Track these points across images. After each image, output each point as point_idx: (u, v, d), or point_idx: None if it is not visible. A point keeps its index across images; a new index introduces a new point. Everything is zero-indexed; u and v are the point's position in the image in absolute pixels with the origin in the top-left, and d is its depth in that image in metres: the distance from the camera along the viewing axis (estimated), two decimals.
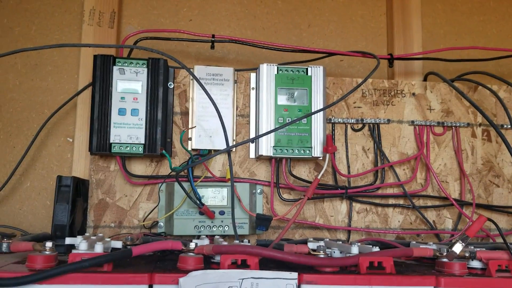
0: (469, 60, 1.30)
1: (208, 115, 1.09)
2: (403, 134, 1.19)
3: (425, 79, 1.27)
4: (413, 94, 1.21)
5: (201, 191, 1.06)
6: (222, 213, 1.05)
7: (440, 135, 1.20)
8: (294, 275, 0.68)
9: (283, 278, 0.68)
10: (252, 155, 1.13)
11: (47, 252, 0.70)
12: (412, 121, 1.20)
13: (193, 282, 0.66)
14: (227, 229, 1.04)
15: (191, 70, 1.09)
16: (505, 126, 1.23)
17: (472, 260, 0.81)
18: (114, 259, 0.69)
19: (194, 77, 0.95)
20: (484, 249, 0.84)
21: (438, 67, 1.31)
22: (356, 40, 1.34)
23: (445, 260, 0.79)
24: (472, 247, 0.84)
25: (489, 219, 0.84)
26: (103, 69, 1.04)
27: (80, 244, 0.72)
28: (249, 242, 0.85)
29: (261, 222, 1.04)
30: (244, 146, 1.13)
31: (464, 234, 0.80)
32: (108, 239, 0.79)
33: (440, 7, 1.39)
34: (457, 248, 0.80)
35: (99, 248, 0.71)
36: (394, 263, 0.76)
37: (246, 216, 1.06)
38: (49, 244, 0.71)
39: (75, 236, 0.78)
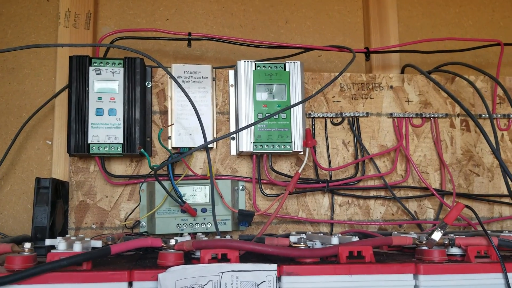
0: (445, 51, 1.31)
1: (187, 113, 1.09)
2: (382, 127, 1.20)
3: (402, 72, 1.28)
4: (391, 87, 1.22)
5: (183, 189, 1.05)
6: (204, 210, 1.05)
7: (419, 126, 1.21)
8: (274, 266, 0.68)
9: (263, 270, 0.68)
10: (233, 152, 1.13)
11: (25, 253, 0.69)
12: (391, 114, 1.21)
13: (173, 277, 0.66)
14: (209, 226, 1.04)
15: (169, 68, 1.09)
16: (483, 115, 1.24)
17: (452, 247, 0.82)
18: (93, 257, 0.69)
19: (171, 76, 0.95)
20: (464, 236, 0.84)
21: (415, 59, 1.32)
22: (333, 35, 1.34)
23: (424, 248, 0.79)
24: (452, 235, 0.84)
25: (467, 206, 0.85)
26: (79, 70, 1.03)
27: (59, 244, 0.71)
28: (231, 238, 0.85)
29: (244, 217, 1.04)
30: (225, 143, 1.13)
31: (442, 221, 0.81)
32: (88, 239, 0.78)
33: (416, 0, 1.40)
34: (436, 235, 0.80)
35: (77, 247, 0.71)
36: (375, 253, 0.76)
37: (229, 212, 1.06)
38: (27, 245, 0.70)
39: (56, 238, 0.77)
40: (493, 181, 1.23)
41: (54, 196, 0.96)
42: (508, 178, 1.01)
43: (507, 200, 1.22)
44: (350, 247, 0.74)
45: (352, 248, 0.74)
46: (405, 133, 1.20)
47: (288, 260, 0.75)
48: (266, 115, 1.08)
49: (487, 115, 1.24)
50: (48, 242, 0.77)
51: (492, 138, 1.06)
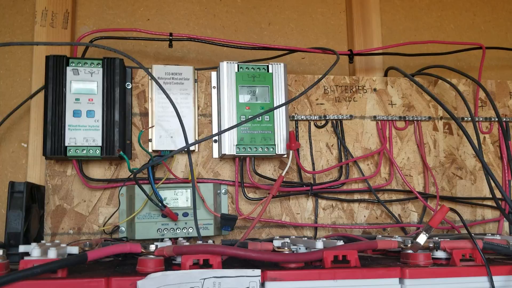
0: (428, 54, 1.31)
1: (168, 115, 1.06)
2: (365, 130, 1.19)
3: (385, 75, 1.28)
4: (375, 89, 1.21)
5: (164, 193, 1.03)
6: (185, 214, 1.03)
7: (402, 129, 1.21)
8: (257, 272, 0.66)
9: (246, 276, 0.66)
10: (215, 155, 1.11)
11: None
12: (374, 117, 1.20)
13: (152, 284, 0.64)
14: (191, 231, 1.02)
15: (149, 69, 1.07)
16: (465, 118, 1.25)
17: (437, 250, 0.82)
18: (68, 264, 0.66)
19: (152, 77, 0.93)
20: (448, 239, 0.84)
21: (398, 62, 1.32)
22: (316, 38, 1.34)
23: (409, 251, 0.79)
24: (437, 238, 0.84)
25: (452, 209, 0.85)
26: (55, 70, 1.00)
27: (33, 251, 0.68)
28: (213, 242, 0.83)
29: (226, 222, 1.02)
30: (207, 146, 1.11)
31: (427, 224, 0.80)
32: (64, 245, 0.75)
33: (398, 3, 1.40)
34: (421, 239, 0.80)
35: (52, 254, 0.68)
36: (360, 257, 0.75)
37: (211, 216, 1.04)
38: None
39: (30, 244, 0.74)
40: (475, 184, 1.23)
41: (29, 201, 0.92)
42: (491, 180, 1.01)
43: (489, 203, 1.22)
44: (335, 251, 0.73)
45: (337, 253, 0.72)
46: (388, 136, 1.20)
47: (272, 265, 0.74)
48: (249, 117, 1.06)
49: (469, 118, 1.24)
50: (22, 248, 0.74)
51: (475, 141, 1.06)
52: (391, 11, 1.39)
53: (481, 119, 1.25)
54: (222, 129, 1.05)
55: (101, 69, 1.02)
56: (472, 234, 0.82)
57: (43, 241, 0.80)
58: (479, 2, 1.45)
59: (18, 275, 0.61)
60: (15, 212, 0.89)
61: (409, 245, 0.79)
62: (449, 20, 1.42)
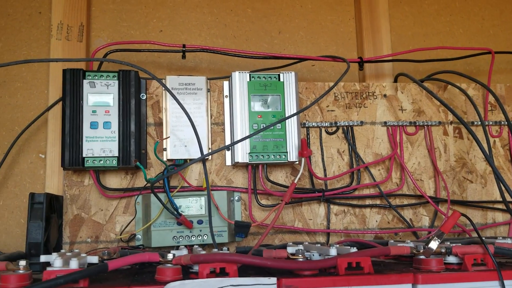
0: (437, 60, 1.32)
1: (182, 125, 1.08)
2: (376, 135, 1.21)
3: (395, 81, 1.29)
4: (385, 95, 1.23)
5: (178, 201, 1.05)
6: (200, 222, 1.05)
7: (412, 134, 1.22)
8: (273, 280, 0.68)
9: (262, 284, 0.68)
10: (228, 162, 1.13)
11: (20, 271, 0.68)
12: (385, 122, 1.21)
13: None
14: (206, 238, 1.04)
15: (163, 80, 1.09)
16: (475, 123, 1.26)
17: (449, 255, 0.83)
18: (90, 274, 0.68)
19: (166, 89, 0.95)
20: (460, 244, 0.85)
21: (408, 68, 1.33)
22: (326, 45, 1.35)
23: (422, 257, 0.80)
24: (448, 243, 0.85)
25: (463, 214, 0.86)
26: (73, 83, 1.02)
27: (55, 261, 0.70)
28: (228, 250, 0.85)
29: (240, 229, 1.04)
30: (220, 154, 1.13)
31: (439, 230, 0.82)
32: (84, 255, 0.78)
33: (407, 9, 1.41)
34: (433, 244, 0.81)
35: (74, 264, 0.70)
36: (373, 262, 0.76)
37: (225, 224, 1.06)
38: (22, 262, 0.70)
39: (51, 254, 0.77)
40: (486, 187, 1.24)
41: (48, 211, 0.95)
42: (501, 184, 1.02)
43: (500, 206, 1.23)
44: (348, 258, 0.74)
45: (351, 259, 0.74)
46: (399, 141, 1.21)
47: (286, 272, 0.75)
48: (262, 125, 1.08)
49: (479, 122, 1.25)
50: (43, 258, 0.77)
51: (485, 145, 1.07)
52: (400, 17, 1.40)
53: (490, 123, 1.26)
54: (234, 137, 1.08)
55: (116, 82, 1.04)
56: (483, 238, 0.83)
57: (62, 250, 0.82)
58: (487, 6, 1.46)
59: (43, 285, 0.63)
60: (36, 223, 0.91)
61: (421, 251, 0.80)
62: (458, 25, 1.43)
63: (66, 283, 0.65)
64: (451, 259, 0.83)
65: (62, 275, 0.66)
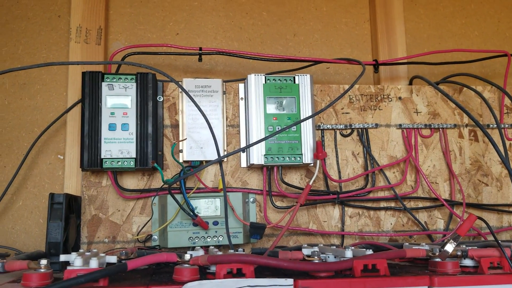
0: (453, 63, 1.32)
1: (198, 127, 1.10)
2: (391, 138, 1.21)
3: (410, 83, 1.29)
4: (400, 98, 1.23)
5: (194, 203, 1.06)
6: (216, 223, 1.06)
7: (427, 137, 1.22)
8: (290, 281, 0.69)
9: (279, 285, 0.68)
10: (243, 164, 1.14)
11: (42, 270, 0.70)
12: (400, 125, 1.21)
13: None
14: (221, 239, 1.05)
15: (180, 83, 1.11)
16: (491, 125, 1.25)
17: (464, 258, 0.83)
18: (110, 273, 0.69)
19: (183, 90, 0.96)
20: (475, 247, 0.85)
21: (423, 70, 1.33)
22: (341, 48, 1.36)
23: (438, 259, 0.80)
24: (464, 246, 0.85)
25: (479, 218, 0.86)
26: (92, 86, 1.04)
27: (75, 260, 0.72)
28: (243, 251, 0.85)
29: (255, 230, 1.04)
30: (235, 156, 1.14)
31: (455, 233, 0.82)
32: (103, 254, 0.79)
33: (422, 12, 1.41)
34: (449, 247, 0.81)
35: (94, 264, 0.72)
36: (388, 265, 0.76)
37: (240, 225, 1.07)
38: (44, 261, 0.71)
39: (70, 253, 0.78)
40: (501, 190, 1.23)
41: (67, 211, 0.96)
42: None
43: None
44: (364, 260, 0.74)
45: (367, 262, 0.74)
46: (414, 144, 1.21)
47: (302, 274, 0.76)
48: (277, 128, 1.09)
49: (495, 125, 1.24)
50: (63, 257, 0.78)
51: (500, 148, 1.07)
52: (415, 19, 1.40)
53: (506, 125, 1.25)
54: (250, 139, 1.08)
55: (134, 84, 1.06)
56: (500, 242, 0.83)
57: (81, 250, 0.84)
58: (503, 8, 1.45)
59: (65, 284, 0.65)
60: (55, 223, 0.93)
61: (437, 254, 0.81)
62: (473, 27, 1.43)
63: (87, 282, 0.66)
64: (467, 262, 0.83)
65: (82, 274, 0.67)
